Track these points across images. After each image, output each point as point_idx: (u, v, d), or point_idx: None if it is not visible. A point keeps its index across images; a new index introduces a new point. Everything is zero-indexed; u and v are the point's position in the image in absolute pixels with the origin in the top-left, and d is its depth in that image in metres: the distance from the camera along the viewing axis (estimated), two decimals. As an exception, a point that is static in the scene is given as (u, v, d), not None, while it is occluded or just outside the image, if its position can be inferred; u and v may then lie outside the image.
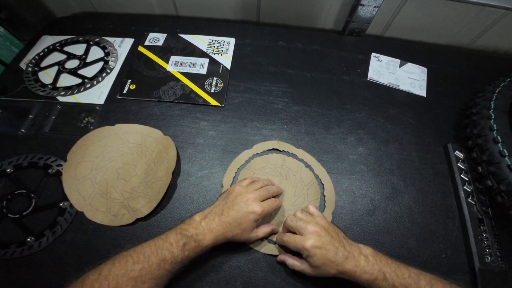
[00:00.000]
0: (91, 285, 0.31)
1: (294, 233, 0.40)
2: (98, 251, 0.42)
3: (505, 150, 0.44)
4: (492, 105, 0.50)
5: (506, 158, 0.44)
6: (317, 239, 0.37)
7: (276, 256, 0.43)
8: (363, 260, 0.36)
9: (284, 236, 0.41)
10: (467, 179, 0.50)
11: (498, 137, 0.46)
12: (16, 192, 0.45)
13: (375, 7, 0.61)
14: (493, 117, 0.48)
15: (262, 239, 0.44)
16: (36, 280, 0.40)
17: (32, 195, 0.45)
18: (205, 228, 0.38)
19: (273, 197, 0.45)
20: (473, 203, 0.48)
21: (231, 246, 0.43)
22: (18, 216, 0.44)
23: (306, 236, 0.38)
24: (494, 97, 0.51)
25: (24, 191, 0.46)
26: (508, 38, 0.67)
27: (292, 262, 0.40)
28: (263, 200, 0.42)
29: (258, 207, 0.40)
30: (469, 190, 0.49)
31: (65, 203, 0.45)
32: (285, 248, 0.43)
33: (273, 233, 0.44)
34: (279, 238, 0.42)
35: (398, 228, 0.47)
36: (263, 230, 0.42)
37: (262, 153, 0.52)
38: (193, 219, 0.39)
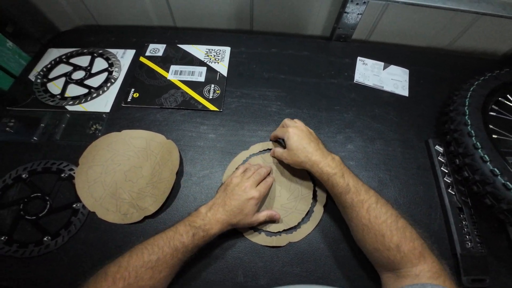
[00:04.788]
0: (113, 276, 0.35)
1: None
2: (110, 248, 0.46)
3: (478, 143, 0.49)
4: (467, 102, 0.54)
5: (479, 150, 0.48)
6: (298, 129, 0.49)
7: (272, 247, 0.47)
8: (330, 158, 0.45)
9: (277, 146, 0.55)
10: (446, 171, 0.54)
11: (472, 131, 0.50)
12: (32, 196, 0.49)
13: (358, 14, 0.66)
14: (467, 113, 0.53)
15: (261, 227, 0.48)
16: (53, 277, 0.44)
17: (47, 198, 0.49)
18: (211, 218, 0.42)
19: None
20: (453, 193, 0.52)
21: (232, 238, 0.47)
22: (34, 217, 0.47)
23: (291, 127, 0.49)
24: (469, 95, 0.56)
25: (39, 194, 0.49)
26: (483, 40, 0.72)
27: (278, 149, 0.52)
28: (258, 184, 0.48)
29: (255, 192, 0.45)
30: (449, 182, 0.53)
31: (78, 204, 0.49)
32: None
33: (272, 217, 0.47)
34: (272, 151, 0.54)
35: (385, 218, 0.51)
36: (264, 213, 0.47)
37: (258, 153, 0.56)
38: (199, 212, 0.43)
